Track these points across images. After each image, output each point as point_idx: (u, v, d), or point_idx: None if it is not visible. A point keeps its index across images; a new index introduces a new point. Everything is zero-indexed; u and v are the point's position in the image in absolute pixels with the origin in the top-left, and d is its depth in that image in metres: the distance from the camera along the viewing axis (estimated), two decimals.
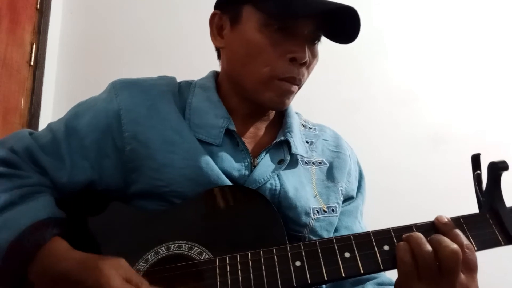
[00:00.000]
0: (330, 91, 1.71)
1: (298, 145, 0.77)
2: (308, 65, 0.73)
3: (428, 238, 0.57)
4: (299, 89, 0.75)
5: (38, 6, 1.62)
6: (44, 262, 0.59)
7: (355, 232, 0.79)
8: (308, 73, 0.75)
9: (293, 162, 0.75)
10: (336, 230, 0.79)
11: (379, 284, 0.76)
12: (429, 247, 0.56)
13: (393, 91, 1.74)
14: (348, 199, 0.82)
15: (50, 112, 1.65)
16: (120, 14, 1.76)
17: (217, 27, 0.77)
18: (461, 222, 0.61)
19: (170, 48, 1.67)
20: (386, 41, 1.78)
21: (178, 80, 0.82)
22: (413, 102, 1.73)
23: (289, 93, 0.73)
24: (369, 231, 0.60)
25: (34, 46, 1.59)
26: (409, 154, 1.68)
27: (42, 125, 1.58)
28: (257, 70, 0.70)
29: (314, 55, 0.74)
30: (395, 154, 1.67)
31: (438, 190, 1.60)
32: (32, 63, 1.58)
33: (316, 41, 0.74)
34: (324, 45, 0.76)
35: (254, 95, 0.73)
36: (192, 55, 1.63)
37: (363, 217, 0.86)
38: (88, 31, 1.75)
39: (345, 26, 0.71)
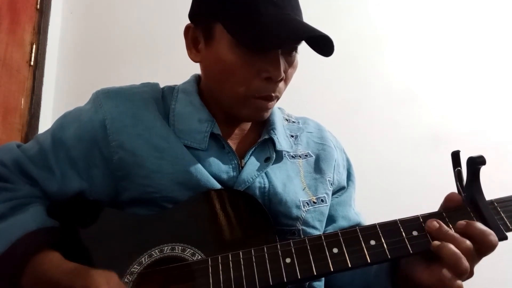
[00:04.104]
0: (329, 91, 1.71)
1: (282, 141, 0.78)
2: (285, 78, 0.71)
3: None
4: (277, 100, 0.74)
5: (38, 6, 1.63)
6: (35, 271, 0.59)
7: (351, 220, 0.82)
8: (286, 84, 0.74)
9: (279, 157, 0.77)
10: (334, 221, 0.81)
11: None
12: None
13: (392, 91, 1.73)
14: (340, 189, 0.84)
15: (50, 112, 1.65)
16: (120, 14, 1.76)
17: (192, 40, 0.75)
18: (443, 216, 0.62)
19: (170, 48, 1.67)
20: (385, 41, 1.78)
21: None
22: (412, 102, 1.73)
23: (267, 109, 0.73)
24: (356, 227, 0.61)
25: (34, 46, 1.59)
26: (409, 154, 1.68)
27: (42, 125, 1.58)
28: (233, 89, 0.70)
29: (291, 64, 0.72)
30: (394, 154, 1.67)
31: (438, 190, 1.59)
32: (32, 63, 1.58)
33: (293, 52, 0.72)
34: None
35: (231, 110, 0.74)
36: None
37: (356, 205, 0.88)
38: (88, 31, 1.75)
39: (319, 45, 0.69)
